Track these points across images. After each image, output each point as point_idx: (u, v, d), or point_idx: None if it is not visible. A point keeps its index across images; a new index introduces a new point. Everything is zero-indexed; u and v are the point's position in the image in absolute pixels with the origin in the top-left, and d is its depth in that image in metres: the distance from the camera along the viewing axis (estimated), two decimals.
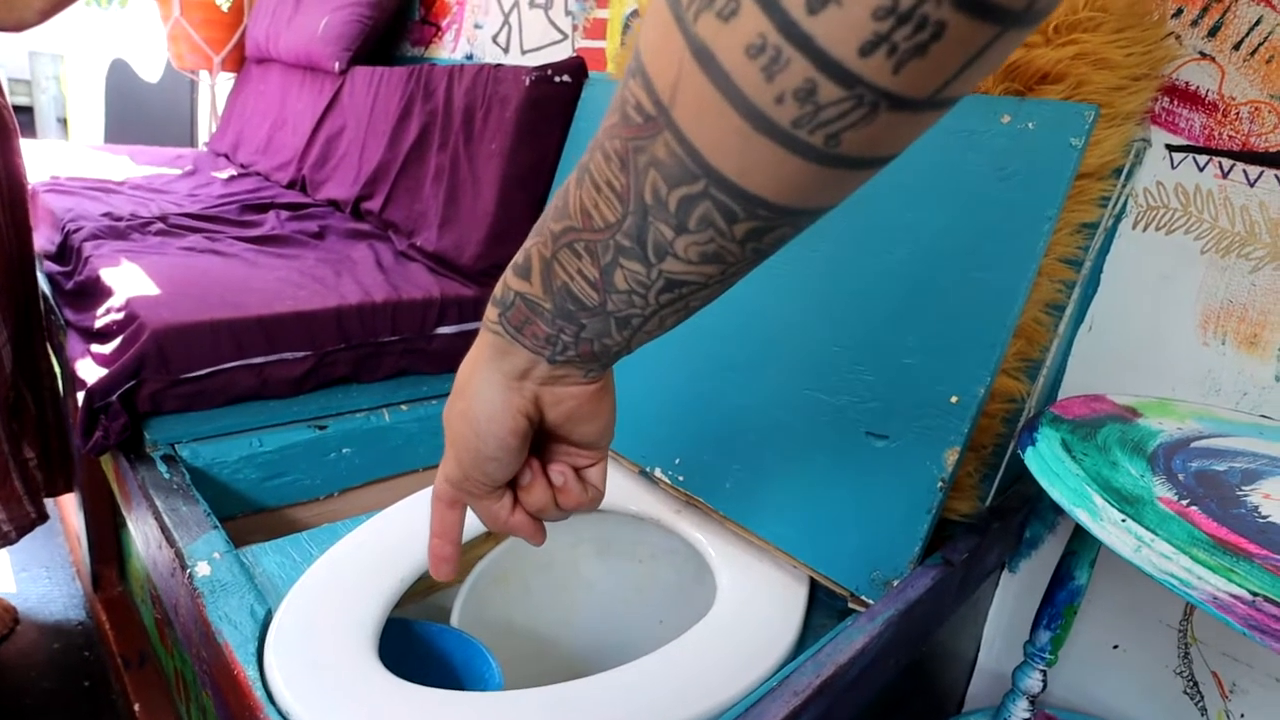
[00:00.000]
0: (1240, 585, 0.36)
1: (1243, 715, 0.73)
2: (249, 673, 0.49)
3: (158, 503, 0.65)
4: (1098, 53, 0.64)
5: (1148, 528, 0.41)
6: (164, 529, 0.62)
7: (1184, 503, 0.44)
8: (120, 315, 0.78)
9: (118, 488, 0.77)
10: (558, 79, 1.00)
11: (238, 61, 2.04)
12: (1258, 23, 0.66)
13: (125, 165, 1.60)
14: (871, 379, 0.67)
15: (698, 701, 0.53)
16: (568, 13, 1.31)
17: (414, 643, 0.66)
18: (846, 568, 0.66)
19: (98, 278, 0.87)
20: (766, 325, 0.73)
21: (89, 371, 0.77)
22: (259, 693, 0.48)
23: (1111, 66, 0.64)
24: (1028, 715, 0.72)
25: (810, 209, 0.25)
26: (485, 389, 0.34)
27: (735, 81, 0.21)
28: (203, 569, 0.57)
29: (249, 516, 0.82)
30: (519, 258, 0.32)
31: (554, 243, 0.30)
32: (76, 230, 1.00)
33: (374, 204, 1.27)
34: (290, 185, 1.56)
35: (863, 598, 0.64)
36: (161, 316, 0.75)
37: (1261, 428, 0.62)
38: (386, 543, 0.66)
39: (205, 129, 2.37)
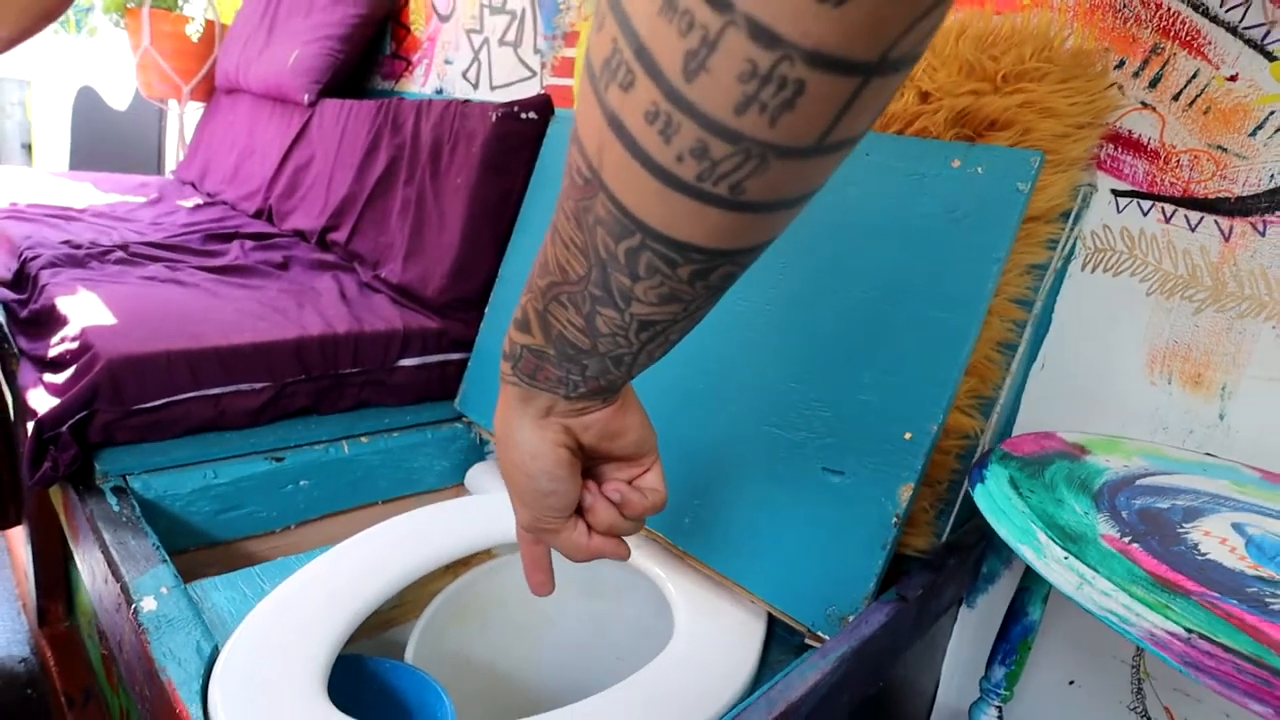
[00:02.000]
0: (1176, 622, 0.37)
1: None
2: (192, 711, 0.47)
3: (105, 535, 0.63)
4: (1044, 101, 0.67)
5: (1089, 565, 0.41)
6: (110, 562, 0.60)
7: (1126, 540, 0.45)
8: (74, 345, 0.77)
9: (66, 520, 0.75)
10: (524, 115, 1.01)
11: (207, 91, 2.03)
12: (1194, 75, 0.70)
13: (88, 192, 1.59)
14: (828, 415, 0.67)
15: None
16: (536, 50, 1.33)
17: (367, 680, 0.64)
18: (803, 604, 0.66)
19: (53, 306, 0.85)
20: (725, 363, 0.74)
21: (40, 401, 0.75)
22: None
23: (1057, 115, 0.67)
24: None
25: (742, 249, 0.27)
26: (521, 434, 0.38)
27: (641, 145, 0.23)
28: (148, 604, 0.56)
29: (202, 550, 0.80)
30: (517, 314, 0.35)
31: (543, 297, 0.32)
32: (34, 258, 0.98)
33: (340, 235, 1.27)
34: (257, 215, 1.56)
35: (819, 633, 0.65)
36: (116, 346, 0.74)
37: (1205, 465, 0.64)
38: (340, 577, 0.65)
39: (172, 157, 2.35)
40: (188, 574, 0.64)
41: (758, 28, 0.19)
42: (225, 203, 1.66)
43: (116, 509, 0.68)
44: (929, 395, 0.62)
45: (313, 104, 1.52)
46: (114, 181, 1.75)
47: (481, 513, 0.83)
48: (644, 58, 0.21)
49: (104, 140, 2.55)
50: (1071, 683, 0.80)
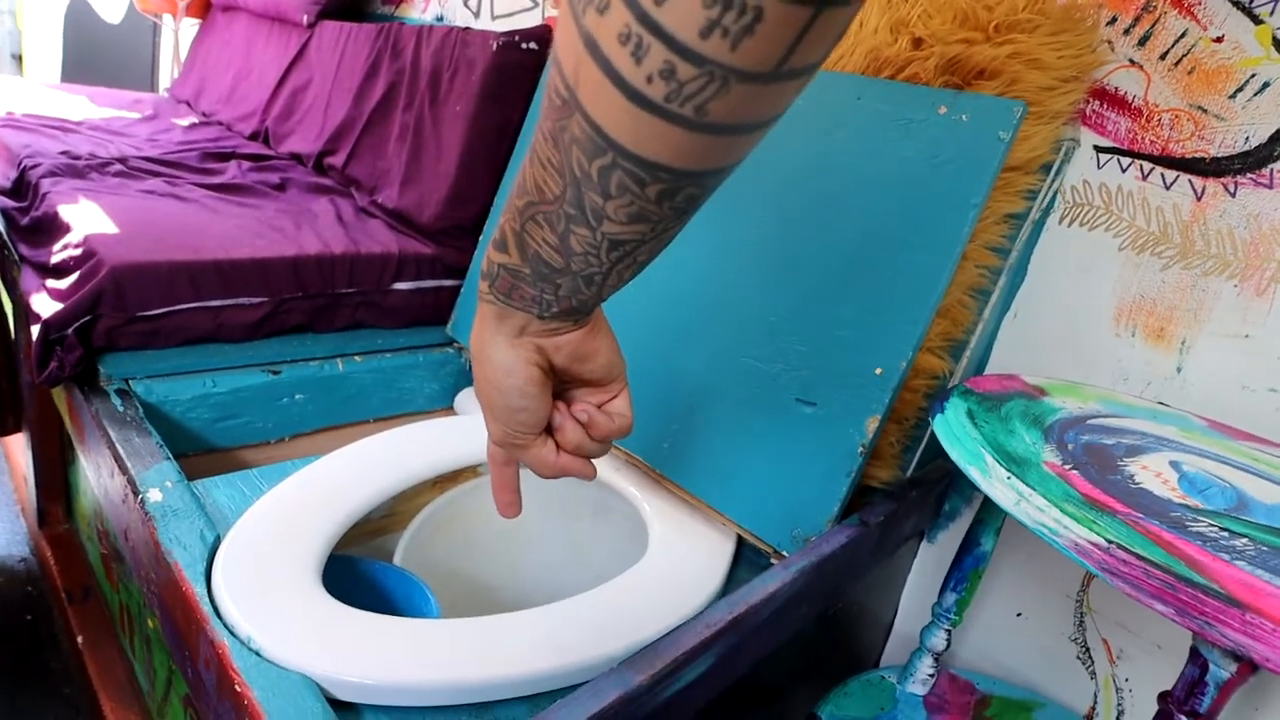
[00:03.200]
0: (1100, 534, 0.41)
1: (1127, 679, 0.79)
2: (197, 590, 0.51)
3: (111, 433, 0.66)
4: (1032, 53, 0.68)
5: (1029, 484, 0.45)
6: (117, 457, 0.64)
7: (1066, 467, 0.49)
8: (78, 251, 0.79)
9: (70, 421, 0.78)
10: (524, 45, 1.02)
11: (202, 8, 1.99)
12: (1183, 35, 0.71)
13: (83, 105, 1.57)
14: (804, 349, 0.71)
15: (622, 637, 0.57)
16: None
17: (357, 578, 0.69)
18: (771, 526, 0.70)
19: (55, 214, 0.87)
20: (708, 294, 0.77)
21: (44, 306, 0.77)
22: (206, 608, 0.50)
23: (1044, 67, 0.69)
24: (932, 672, 0.78)
25: (706, 170, 0.29)
26: (495, 351, 0.39)
27: (615, 66, 0.25)
28: (154, 495, 0.59)
29: (200, 455, 0.83)
30: (496, 234, 0.36)
31: (520, 216, 0.34)
32: (34, 166, 0.99)
33: (337, 159, 1.28)
34: (253, 136, 1.55)
35: (783, 553, 0.69)
36: (120, 254, 0.76)
37: (1157, 413, 0.67)
38: (336, 481, 0.69)
39: (166, 74, 2.31)
40: (188, 476, 0.67)
41: None
42: (221, 123, 1.65)
43: (121, 409, 0.71)
44: (900, 333, 0.65)
45: (312, 25, 1.51)
46: (109, 96, 1.73)
47: (470, 431, 0.86)
48: None
49: (96, 53, 2.50)
50: (1019, 614, 0.86)
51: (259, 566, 0.55)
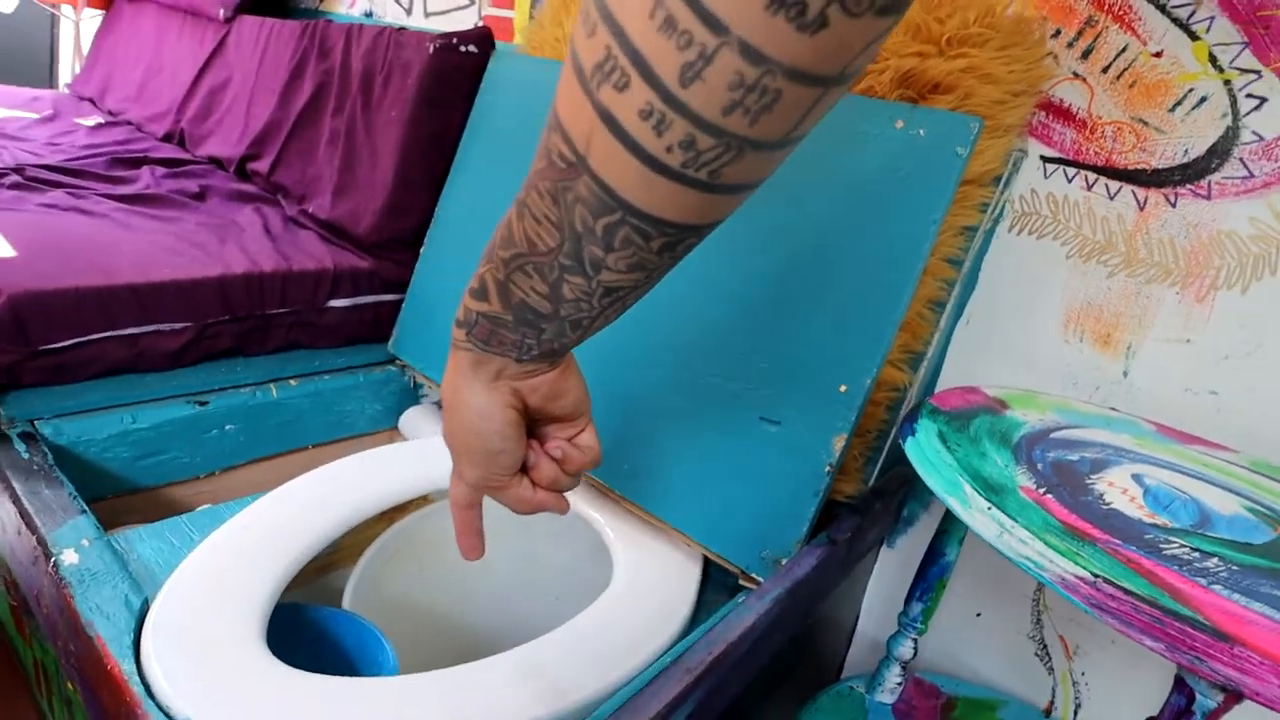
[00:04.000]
0: (1084, 568, 0.41)
1: (1084, 673, 0.81)
2: (125, 667, 0.46)
3: (15, 485, 0.60)
4: (984, 67, 0.68)
5: (1009, 515, 0.45)
6: (23, 514, 0.57)
7: (1041, 491, 0.49)
8: None
9: None
10: (463, 48, 0.97)
11: None
12: (1124, 49, 0.72)
13: None
14: (766, 366, 0.69)
15: (596, 680, 0.54)
16: None
17: (304, 628, 0.64)
18: (738, 547, 0.69)
19: None
20: (667, 313, 0.74)
21: None
22: (137, 688, 0.45)
23: (995, 81, 0.69)
24: (899, 681, 0.78)
25: (708, 223, 0.32)
26: (472, 397, 0.40)
27: (634, 137, 0.27)
28: (69, 557, 0.53)
29: (121, 497, 0.76)
30: (474, 283, 0.37)
31: (505, 267, 0.35)
32: None
33: (261, 165, 1.20)
34: (166, 138, 1.45)
35: (753, 575, 0.67)
36: (18, 281, 0.69)
37: (1109, 419, 0.69)
38: (275, 524, 0.64)
39: (67, 69, 2.15)
40: (107, 522, 0.61)
41: (748, 48, 0.23)
42: (130, 123, 1.54)
43: (25, 456, 0.65)
44: (864, 349, 0.64)
45: (229, 20, 1.41)
46: (2, 94, 1.59)
47: (417, 457, 0.82)
48: (640, 66, 0.25)
49: None
50: (978, 615, 0.87)
51: (194, 634, 0.50)
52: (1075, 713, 0.82)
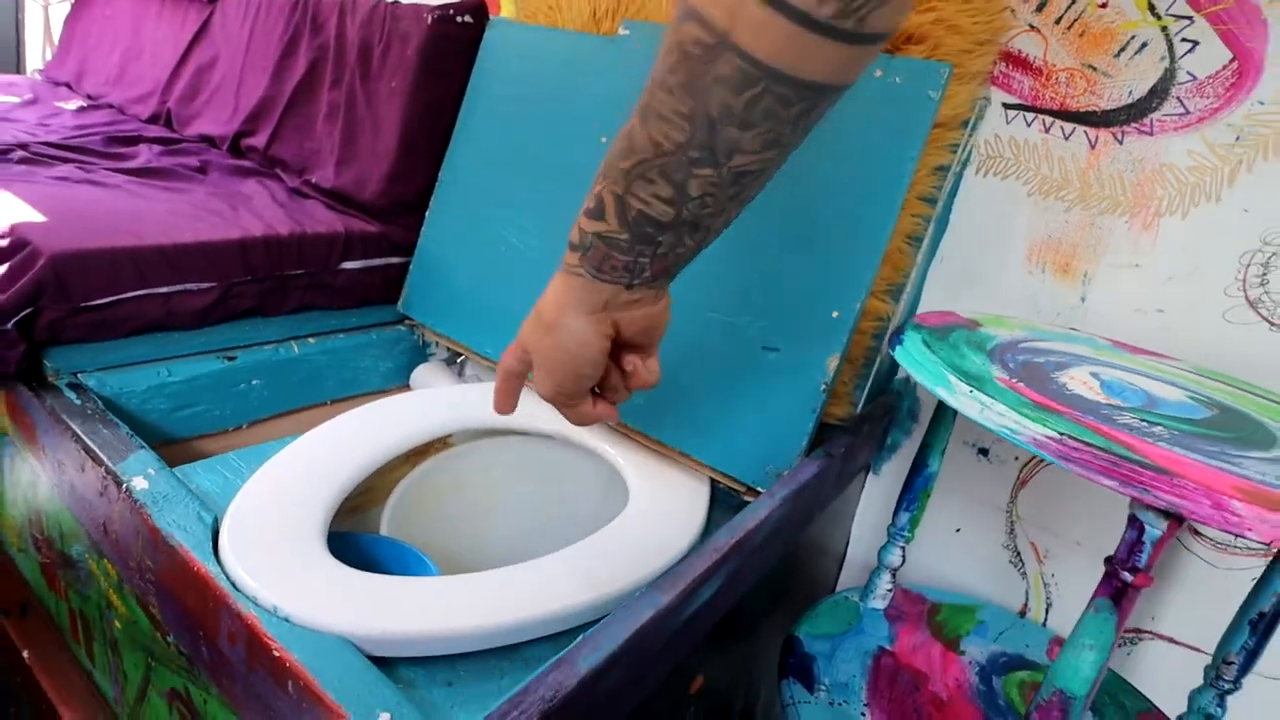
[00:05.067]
0: (1053, 429, 0.48)
1: (1053, 575, 0.89)
2: (210, 568, 0.51)
3: (74, 426, 0.64)
4: (951, 19, 0.75)
5: (990, 395, 0.52)
6: (88, 450, 0.62)
7: (1014, 380, 0.56)
8: (4, 242, 0.74)
9: (12, 420, 0.74)
10: (459, 19, 1.01)
11: None
12: (1073, 2, 0.80)
13: None
14: (764, 300, 0.76)
15: (629, 573, 0.61)
16: None
17: (350, 554, 0.69)
18: (744, 466, 0.76)
19: None
20: None
21: None
22: (224, 583, 0.50)
23: (962, 31, 0.76)
24: (890, 588, 0.86)
25: (843, 84, 0.35)
26: (574, 323, 0.43)
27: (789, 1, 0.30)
28: (139, 483, 0.58)
29: (157, 447, 0.80)
30: (589, 204, 0.40)
31: (625, 179, 0.37)
32: None
33: (257, 140, 1.23)
34: (152, 119, 1.46)
35: (757, 489, 0.74)
36: (56, 242, 0.72)
37: (1070, 336, 0.76)
38: (321, 458, 0.69)
39: (35, 55, 2.13)
40: None
41: None
42: (112, 105, 1.55)
43: (78, 402, 0.69)
44: (853, 278, 0.71)
45: (213, 0, 1.43)
46: None
47: (438, 403, 0.87)
48: None
49: None
50: (958, 530, 0.95)
51: (267, 540, 0.56)
52: (1047, 611, 0.90)
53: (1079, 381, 0.59)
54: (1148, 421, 0.52)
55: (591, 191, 0.40)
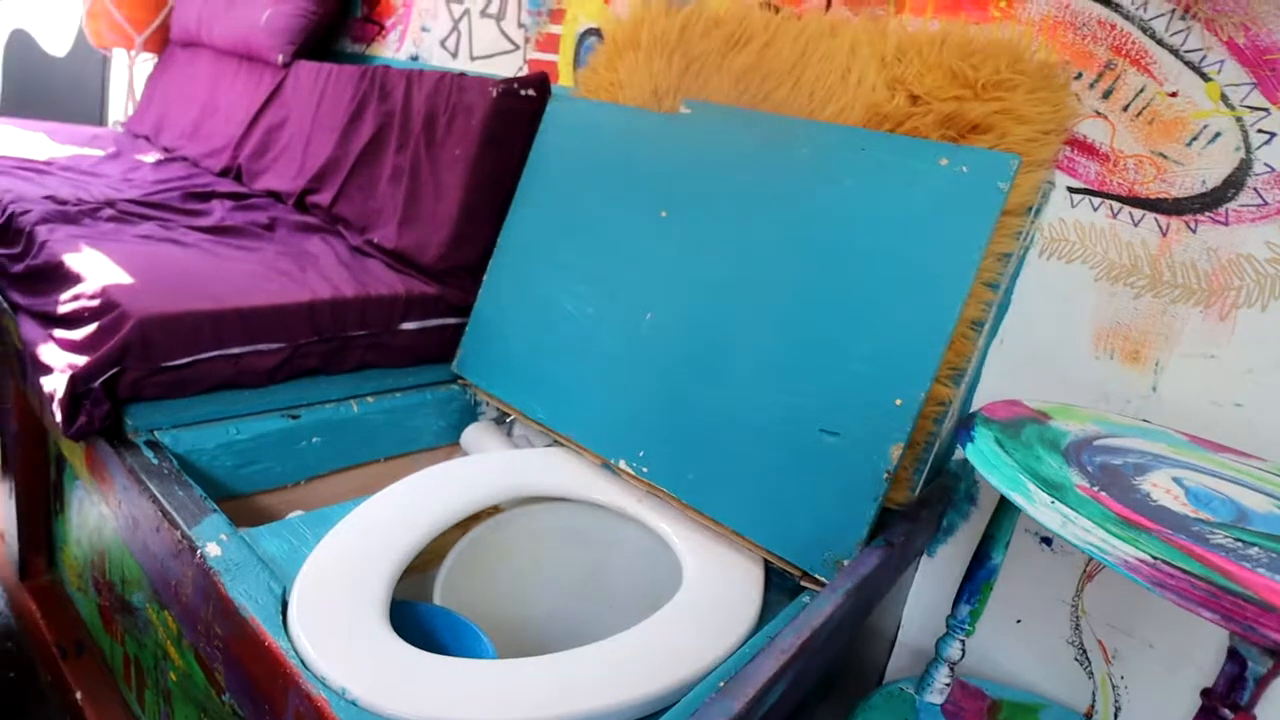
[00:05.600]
0: (1144, 551, 0.46)
1: (1123, 677, 0.85)
2: (281, 644, 0.52)
3: (151, 487, 0.66)
4: (1018, 109, 0.75)
5: (1071, 508, 0.50)
6: (164, 512, 0.63)
7: (1095, 489, 0.55)
8: (94, 302, 0.78)
9: (91, 474, 0.76)
10: (523, 92, 1.05)
11: (160, 42, 1.96)
12: (1142, 90, 0.79)
13: (44, 143, 1.53)
14: (826, 382, 0.75)
15: (687, 664, 0.59)
16: (520, 25, 1.36)
17: (407, 621, 0.69)
18: (800, 549, 0.74)
19: (60, 262, 0.85)
20: (732, 331, 0.81)
21: (56, 357, 0.76)
22: (294, 660, 0.51)
23: (1028, 121, 0.76)
24: (948, 681, 0.83)
25: None
26: None
27: None
28: (213, 549, 0.59)
29: (221, 502, 0.82)
30: None
31: None
32: (24, 213, 0.96)
33: (322, 198, 1.28)
34: (223, 173, 1.53)
35: (816, 575, 0.73)
36: (143, 305, 0.75)
37: (1143, 430, 0.74)
38: (382, 524, 0.70)
39: (117, 108, 2.25)
40: None
41: None
42: (186, 159, 1.63)
43: (155, 461, 0.71)
44: (917, 366, 0.71)
45: (287, 65, 1.50)
46: (66, 132, 1.68)
47: (490, 470, 0.88)
48: None
49: (38, 87, 2.41)
50: (1019, 621, 0.92)
51: (334, 616, 0.56)
52: (1115, 715, 0.86)
53: (1163, 490, 0.57)
54: (1243, 541, 0.50)
55: None
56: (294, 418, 0.87)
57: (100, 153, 1.56)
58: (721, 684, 0.49)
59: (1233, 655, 0.45)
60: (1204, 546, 0.47)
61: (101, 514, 0.77)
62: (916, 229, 0.73)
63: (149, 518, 0.65)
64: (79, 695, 0.93)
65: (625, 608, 0.96)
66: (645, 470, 0.85)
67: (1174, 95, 0.78)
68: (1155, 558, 0.45)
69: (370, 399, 0.96)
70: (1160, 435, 0.73)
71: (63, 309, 0.80)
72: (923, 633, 1.00)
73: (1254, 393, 0.75)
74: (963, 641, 0.81)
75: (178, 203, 1.20)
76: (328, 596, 0.58)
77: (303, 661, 0.51)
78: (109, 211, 1.04)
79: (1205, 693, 0.47)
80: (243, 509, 0.85)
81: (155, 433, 0.76)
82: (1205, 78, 0.76)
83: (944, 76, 0.78)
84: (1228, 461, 0.68)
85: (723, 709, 0.46)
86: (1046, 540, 0.89)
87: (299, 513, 0.76)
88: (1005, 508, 0.76)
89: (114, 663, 0.94)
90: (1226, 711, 0.45)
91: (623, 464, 0.87)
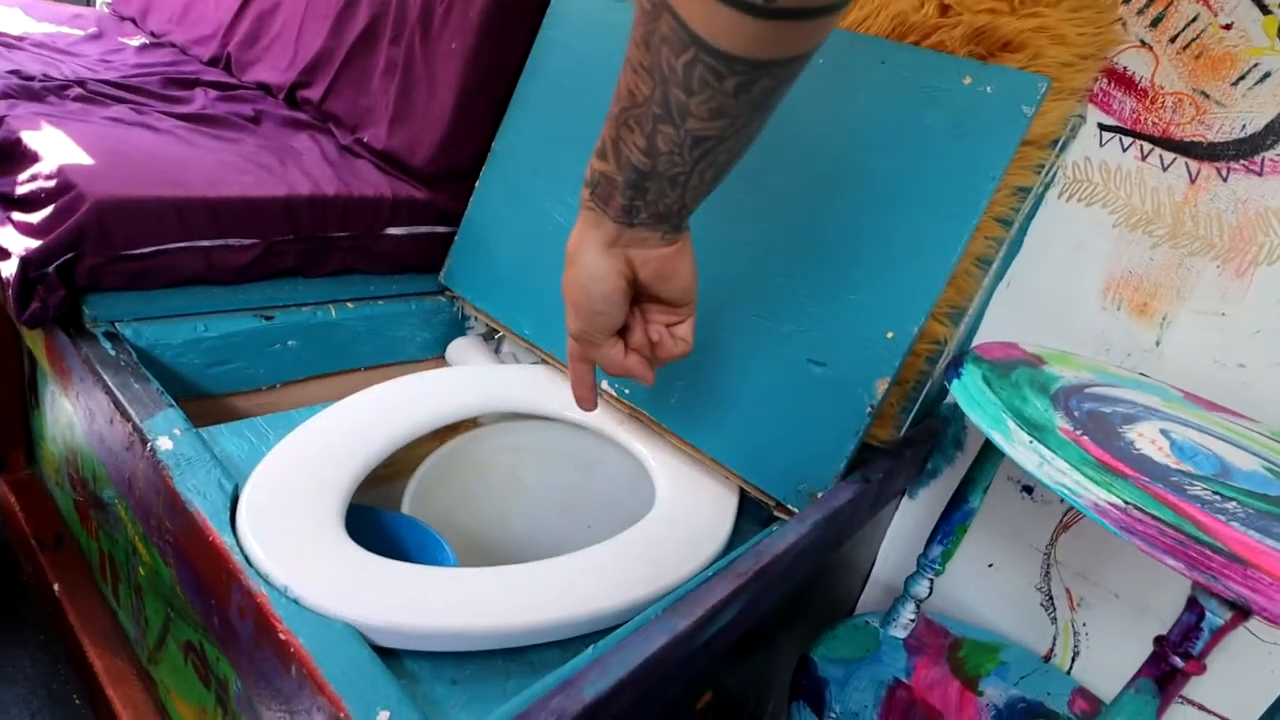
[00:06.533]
0: (1117, 495, 0.44)
1: (1085, 624, 0.85)
2: (226, 540, 0.50)
3: (107, 378, 0.64)
4: (1056, 28, 0.69)
5: (1050, 448, 0.48)
6: (117, 404, 0.61)
7: (1078, 433, 0.52)
8: (50, 183, 0.74)
9: (51, 364, 0.74)
10: None
11: None
12: (1194, 19, 0.73)
13: (18, 19, 1.45)
14: (816, 310, 0.72)
15: (645, 584, 0.59)
16: None
17: (369, 528, 0.68)
18: (775, 480, 0.73)
19: (18, 139, 0.80)
20: (720, 255, 0.77)
21: (14, 241, 0.73)
22: (238, 557, 0.49)
23: (1065, 43, 0.70)
24: (913, 617, 0.83)
25: (776, 60, 0.33)
26: (589, 257, 0.43)
27: None
28: (164, 443, 0.57)
29: (189, 401, 0.80)
30: (598, 144, 0.40)
31: (615, 123, 0.37)
32: None
33: (313, 93, 1.21)
34: (212, 62, 1.46)
35: (788, 506, 0.71)
36: (101, 187, 0.72)
37: (1140, 383, 0.72)
38: (347, 430, 0.68)
39: None
40: None
41: None
42: (174, 45, 1.55)
43: (113, 353, 0.68)
44: (913, 299, 0.67)
45: None
46: (46, 10, 1.60)
47: (469, 382, 0.86)
48: None
49: None
50: (991, 565, 0.91)
51: (285, 516, 0.55)
52: (1073, 660, 0.86)
53: (1148, 440, 0.55)
54: (1220, 495, 0.48)
55: (601, 132, 0.40)
56: (268, 319, 0.84)
57: (80, 33, 1.48)
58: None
59: (1192, 605, 0.43)
60: (1179, 496, 0.45)
61: (68, 409, 0.75)
62: (931, 152, 0.68)
63: (103, 410, 0.63)
64: (57, 587, 0.93)
65: (605, 529, 0.96)
66: (627, 392, 0.83)
67: (1228, 28, 0.72)
68: (1127, 503, 0.43)
69: (350, 305, 0.93)
70: (1156, 389, 0.70)
71: (19, 190, 0.76)
72: (896, 570, 1.00)
73: (1259, 354, 0.72)
74: (931, 580, 0.80)
75: (157, 88, 1.14)
76: (280, 495, 0.56)
77: (247, 558, 0.50)
78: (77, 90, 0.99)
79: (1158, 639, 0.45)
80: (214, 408, 0.83)
81: (116, 324, 0.73)
82: (1265, 10, 0.70)
83: None
84: (1221, 420, 0.66)
85: (665, 626, 0.45)
86: (1028, 489, 0.87)
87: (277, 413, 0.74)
88: (988, 453, 0.74)
89: (90, 556, 0.94)
90: (1178, 659, 0.44)
91: (605, 384, 0.84)
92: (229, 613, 0.51)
